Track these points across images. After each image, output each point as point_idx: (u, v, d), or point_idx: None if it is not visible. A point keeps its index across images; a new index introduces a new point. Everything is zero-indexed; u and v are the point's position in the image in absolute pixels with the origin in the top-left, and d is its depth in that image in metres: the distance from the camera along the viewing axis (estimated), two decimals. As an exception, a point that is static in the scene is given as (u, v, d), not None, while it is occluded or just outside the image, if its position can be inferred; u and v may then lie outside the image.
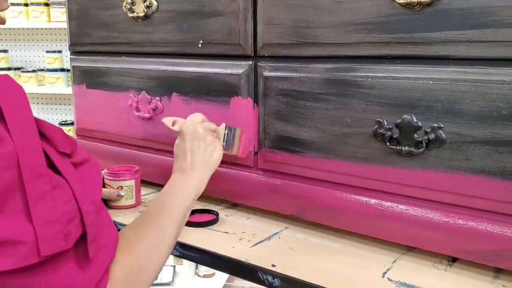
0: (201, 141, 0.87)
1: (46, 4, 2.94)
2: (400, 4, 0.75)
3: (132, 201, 1.06)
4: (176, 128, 0.91)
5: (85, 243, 0.59)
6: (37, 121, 0.59)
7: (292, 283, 0.74)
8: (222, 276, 2.35)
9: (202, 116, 0.92)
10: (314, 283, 0.72)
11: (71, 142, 0.64)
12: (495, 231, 0.72)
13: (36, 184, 0.55)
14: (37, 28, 3.20)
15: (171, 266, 2.41)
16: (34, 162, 0.55)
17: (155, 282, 2.30)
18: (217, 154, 0.89)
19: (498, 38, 0.69)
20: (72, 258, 0.58)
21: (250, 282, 0.80)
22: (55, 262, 0.56)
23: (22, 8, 2.95)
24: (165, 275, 2.34)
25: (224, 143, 0.95)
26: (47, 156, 0.58)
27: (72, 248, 0.57)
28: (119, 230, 0.69)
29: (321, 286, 0.71)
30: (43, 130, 0.60)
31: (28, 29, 3.23)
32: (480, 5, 0.69)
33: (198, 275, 2.40)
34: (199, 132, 0.87)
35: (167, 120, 0.92)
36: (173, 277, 2.35)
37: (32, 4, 2.94)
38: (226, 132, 0.96)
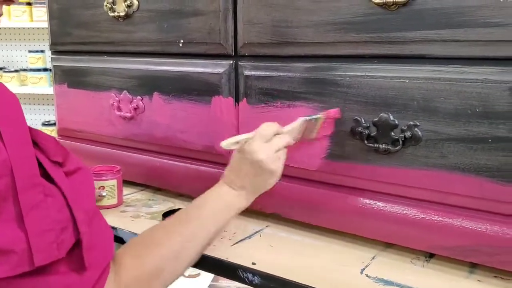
0: (259, 169, 0.76)
1: (28, 4, 2.91)
2: (377, 4, 0.76)
3: (114, 201, 1.06)
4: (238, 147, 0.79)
5: (80, 250, 0.59)
6: (31, 130, 0.59)
7: (272, 281, 0.75)
8: (207, 276, 2.35)
9: (275, 128, 0.79)
10: (293, 280, 0.73)
11: (64, 151, 0.64)
12: (470, 227, 0.73)
13: (30, 193, 0.55)
14: (19, 28, 3.17)
15: (156, 266, 2.39)
16: (28, 172, 0.56)
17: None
18: (273, 181, 0.79)
19: (471, 37, 0.70)
20: (67, 264, 0.58)
21: (236, 282, 0.80)
22: (50, 268, 0.56)
23: (4, 7, 2.91)
24: (150, 276, 2.33)
25: (300, 135, 0.83)
26: (40, 165, 0.58)
27: (66, 256, 0.58)
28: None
29: (300, 283, 0.72)
30: (36, 139, 0.60)
31: (10, 28, 3.19)
32: (453, 5, 0.70)
33: (184, 275, 2.39)
34: (261, 160, 0.76)
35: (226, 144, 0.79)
36: (158, 277, 2.34)
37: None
38: (303, 127, 0.83)
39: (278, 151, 0.78)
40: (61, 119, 1.32)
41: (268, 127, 0.79)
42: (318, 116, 0.83)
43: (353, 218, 0.83)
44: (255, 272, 0.76)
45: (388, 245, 0.84)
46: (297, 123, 0.82)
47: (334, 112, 0.83)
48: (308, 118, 0.82)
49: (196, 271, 2.38)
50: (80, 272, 0.59)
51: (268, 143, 0.77)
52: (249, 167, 0.77)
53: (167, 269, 0.67)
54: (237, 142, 0.79)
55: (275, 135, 0.79)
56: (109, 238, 0.66)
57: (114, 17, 1.11)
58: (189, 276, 2.37)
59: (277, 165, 0.78)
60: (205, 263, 0.83)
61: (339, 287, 0.72)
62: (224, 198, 0.77)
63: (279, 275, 0.75)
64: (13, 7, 2.91)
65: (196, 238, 0.71)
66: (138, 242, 0.70)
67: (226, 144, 0.79)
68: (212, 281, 2.31)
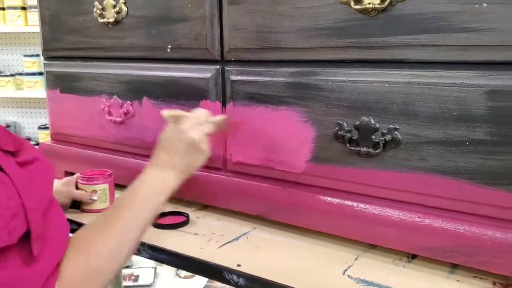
0: (191, 147, 0.81)
1: (23, 8, 2.92)
2: (357, 10, 0.78)
3: (106, 205, 1.07)
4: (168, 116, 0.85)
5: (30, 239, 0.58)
6: None
7: (256, 282, 0.76)
8: (202, 277, 2.37)
9: (208, 115, 0.86)
10: (276, 281, 0.74)
11: (16, 141, 0.64)
12: (449, 228, 0.74)
13: None
14: (14, 32, 3.18)
15: (152, 267, 2.41)
16: None
17: (136, 283, 2.31)
18: (201, 162, 0.83)
19: (448, 42, 0.72)
20: (19, 255, 0.58)
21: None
22: (0, 259, 0.56)
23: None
24: (146, 277, 2.35)
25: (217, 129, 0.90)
26: None
27: (18, 245, 0.57)
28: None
29: (283, 284, 0.74)
30: None
31: (5, 33, 3.20)
32: (430, 11, 0.72)
33: (179, 276, 2.41)
34: (194, 138, 0.81)
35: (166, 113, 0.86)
36: (154, 279, 2.35)
37: (9, 8, 2.92)
38: (222, 124, 0.91)
39: (206, 135, 0.84)
40: (54, 123, 1.34)
41: (203, 112, 0.86)
42: (233, 118, 0.94)
43: (337, 220, 0.85)
44: (240, 274, 0.78)
45: (371, 246, 0.86)
46: (222, 118, 0.90)
47: (239, 121, 0.95)
48: (227, 117, 0.93)
49: (191, 272, 2.40)
50: (31, 264, 0.58)
51: (200, 126, 0.83)
52: (181, 144, 0.81)
53: (111, 259, 0.67)
54: (176, 116, 0.84)
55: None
56: (65, 232, 0.65)
57: (103, 23, 1.12)
58: (185, 277, 2.38)
59: (205, 146, 0.83)
60: (192, 265, 0.84)
61: (321, 288, 0.73)
62: (154, 183, 0.78)
63: (263, 277, 0.76)
64: (8, 11, 2.92)
65: (132, 227, 0.71)
66: (84, 235, 0.69)
67: (167, 114, 0.86)
68: (207, 282, 2.33)
